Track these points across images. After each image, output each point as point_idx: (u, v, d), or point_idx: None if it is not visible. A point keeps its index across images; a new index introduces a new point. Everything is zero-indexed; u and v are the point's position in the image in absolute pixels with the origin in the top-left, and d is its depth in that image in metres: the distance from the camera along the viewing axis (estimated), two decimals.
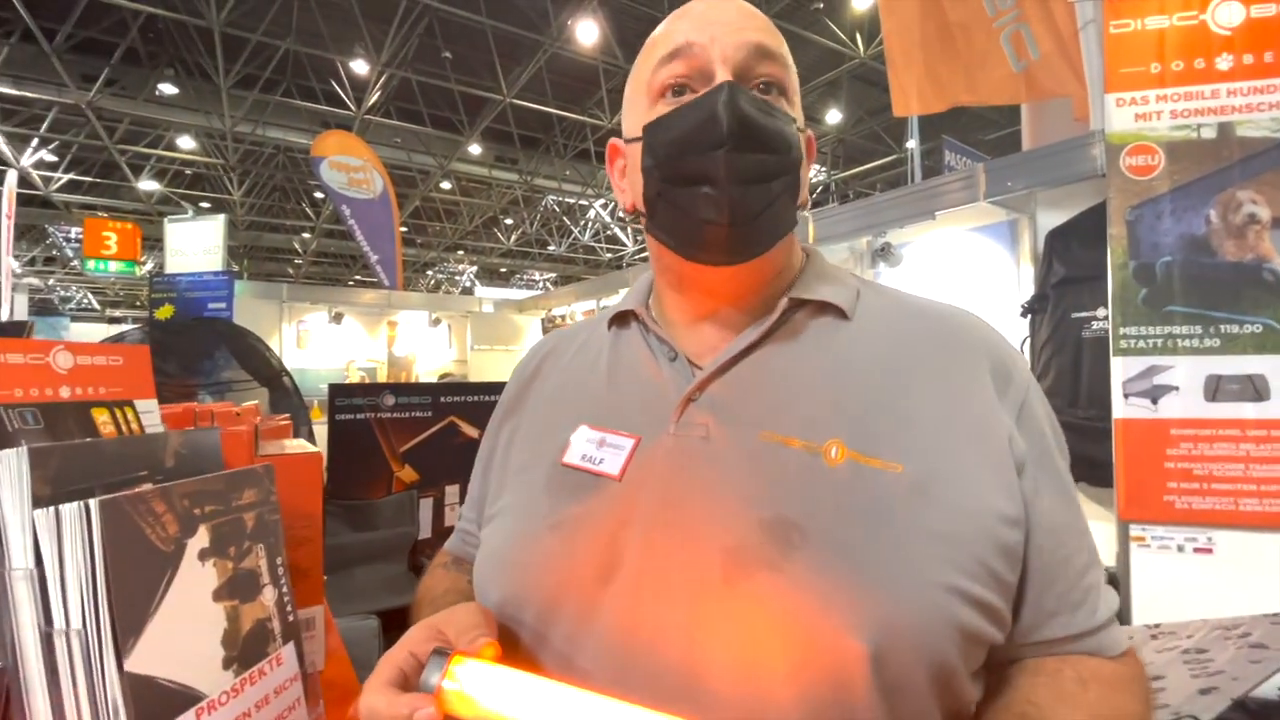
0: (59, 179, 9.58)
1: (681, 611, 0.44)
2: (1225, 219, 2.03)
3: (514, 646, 0.49)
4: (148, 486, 0.45)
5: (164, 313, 4.91)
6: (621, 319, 0.61)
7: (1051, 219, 2.73)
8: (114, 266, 7.21)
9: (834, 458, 0.46)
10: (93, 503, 0.41)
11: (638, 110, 0.55)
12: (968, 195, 2.87)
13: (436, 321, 8.10)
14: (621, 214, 12.85)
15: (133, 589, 0.42)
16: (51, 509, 0.41)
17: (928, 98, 3.18)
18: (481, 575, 0.54)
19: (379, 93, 8.03)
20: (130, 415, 0.55)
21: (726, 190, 0.48)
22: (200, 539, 0.48)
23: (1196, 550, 1.99)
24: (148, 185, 10.15)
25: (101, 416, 0.52)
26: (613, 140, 0.61)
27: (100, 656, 0.41)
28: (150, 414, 0.58)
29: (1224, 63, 2.04)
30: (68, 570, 0.41)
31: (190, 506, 0.48)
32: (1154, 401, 2.07)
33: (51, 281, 14.00)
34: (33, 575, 0.41)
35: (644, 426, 0.52)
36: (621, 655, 0.44)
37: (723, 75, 0.50)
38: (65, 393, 0.50)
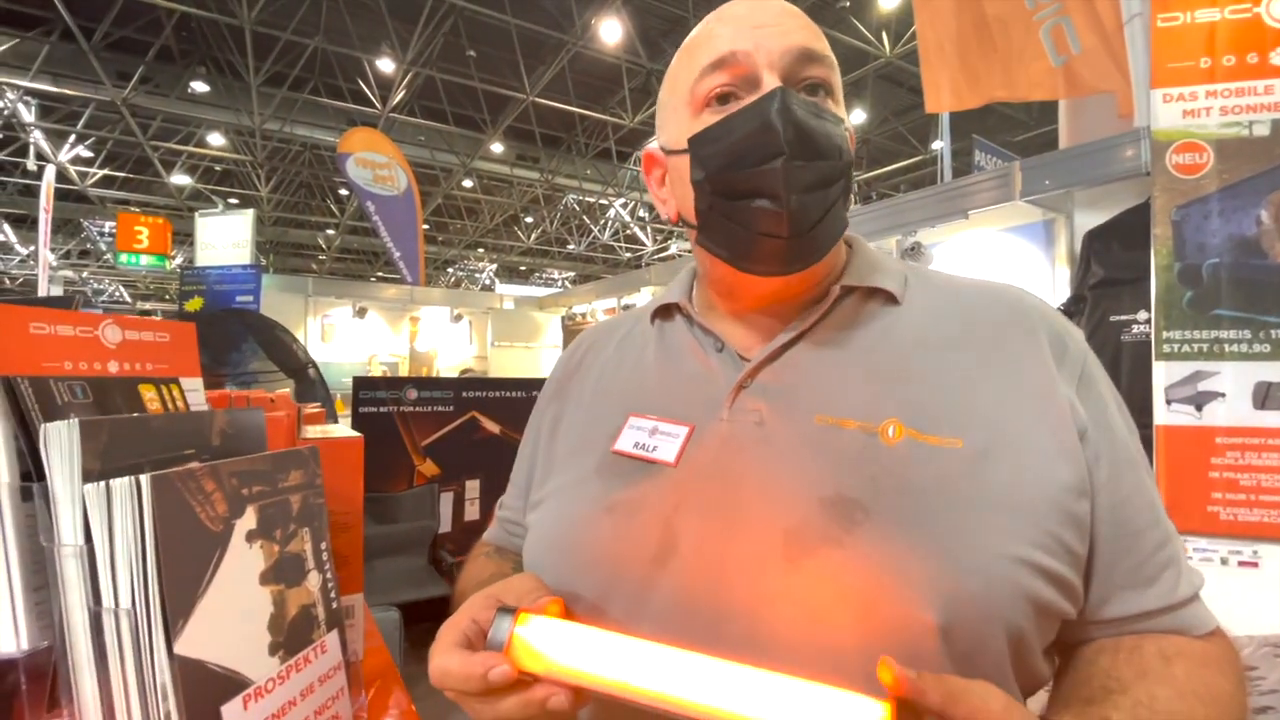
0: (94, 174, 9.82)
1: (742, 590, 0.43)
2: (1278, 220, 1.95)
3: None
4: (195, 465, 0.44)
5: (193, 305, 5.00)
6: (665, 312, 0.61)
7: (1089, 219, 2.65)
8: (145, 260, 7.36)
9: (891, 437, 0.45)
10: (144, 478, 0.39)
11: (680, 120, 0.54)
12: (1002, 194, 2.80)
13: (458, 317, 8.15)
14: (641, 214, 12.84)
15: (183, 569, 0.41)
16: (102, 483, 0.40)
17: (962, 93, 3.11)
18: (533, 557, 0.54)
19: (404, 91, 8.10)
20: (176, 393, 0.54)
21: (786, 202, 0.47)
22: (248, 520, 0.46)
23: (1241, 564, 1.91)
24: (179, 180, 10.36)
25: (149, 393, 0.51)
26: (649, 149, 0.60)
27: (150, 638, 0.39)
28: (195, 392, 0.57)
29: (1279, 57, 1.96)
30: (118, 547, 0.40)
31: (239, 486, 0.46)
32: (1198, 408, 2.00)
33: (85, 275, 14.35)
34: (82, 552, 0.40)
35: (696, 415, 0.52)
36: (679, 633, 0.43)
37: (771, 82, 0.49)
38: (113, 368, 0.50)
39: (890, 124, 9.35)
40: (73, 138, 8.75)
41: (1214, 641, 0.47)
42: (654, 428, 0.52)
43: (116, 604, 0.40)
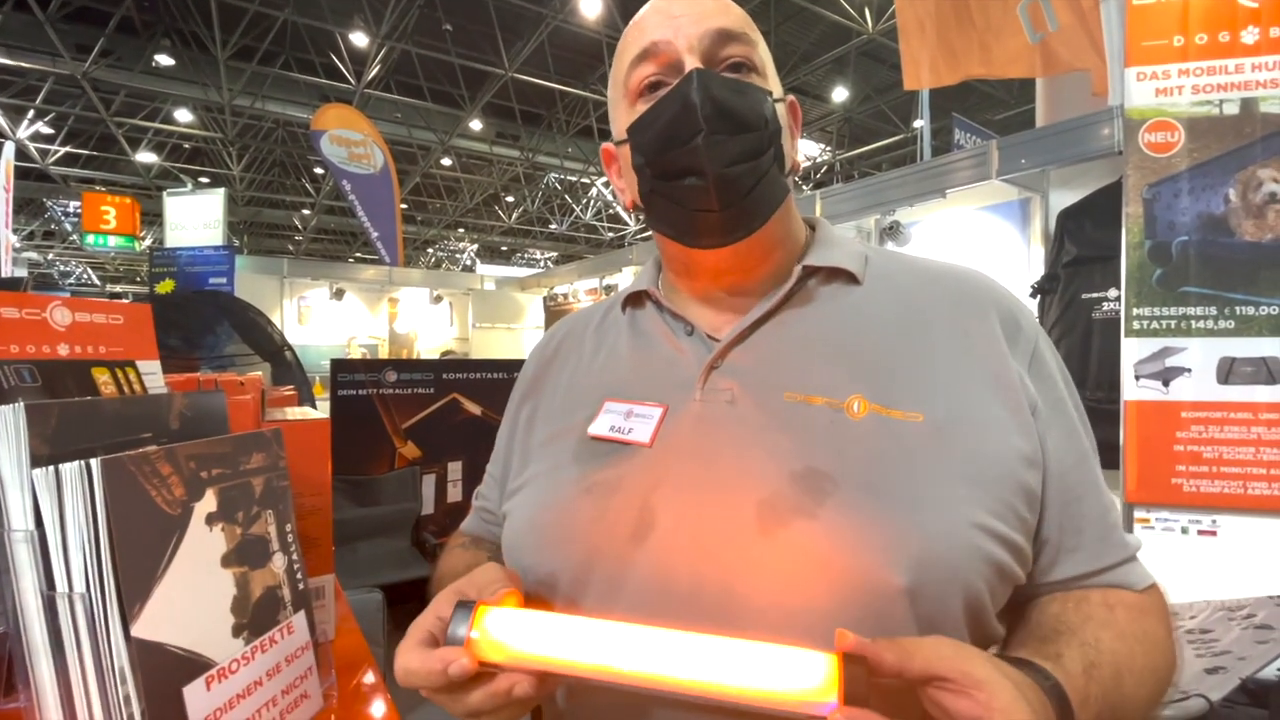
0: (56, 151, 9.47)
1: (717, 562, 0.44)
2: (1245, 198, 1.99)
3: (548, 608, 0.49)
4: (151, 448, 0.43)
5: (164, 287, 4.88)
6: (635, 300, 0.63)
7: (1064, 198, 2.68)
8: (113, 241, 7.15)
9: (857, 412, 0.47)
10: (94, 462, 0.39)
11: (620, 112, 0.57)
12: (980, 173, 2.82)
13: (438, 299, 8.06)
14: None
15: (138, 553, 0.40)
16: (51, 468, 0.39)
17: (940, 70, 3.11)
18: (512, 541, 0.55)
19: (379, 66, 7.88)
20: (133, 376, 0.53)
21: (711, 177, 0.49)
22: (208, 503, 0.46)
23: (1201, 533, 1.98)
24: (146, 158, 10.03)
25: (102, 376, 0.50)
26: (605, 145, 0.63)
27: (106, 622, 0.39)
28: (153, 375, 0.56)
29: (1249, 36, 1.99)
30: (69, 532, 0.39)
31: (197, 469, 0.46)
32: (1165, 384, 2.05)
33: (51, 256, 13.91)
34: (33, 537, 0.39)
35: (669, 396, 0.53)
36: (657, 607, 0.44)
37: (691, 64, 0.51)
38: (64, 350, 0.48)
39: (872, 101, 9.32)
40: (31, 113, 8.42)
41: (1150, 594, 0.51)
42: (629, 411, 0.54)
43: (70, 588, 0.39)
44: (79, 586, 0.39)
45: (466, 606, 0.41)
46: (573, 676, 0.39)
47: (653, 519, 0.47)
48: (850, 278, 0.55)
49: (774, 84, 0.56)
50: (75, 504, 0.39)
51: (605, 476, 0.51)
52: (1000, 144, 2.75)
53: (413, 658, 0.40)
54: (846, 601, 0.41)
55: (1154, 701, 0.45)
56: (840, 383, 0.49)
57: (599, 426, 0.54)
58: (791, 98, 0.59)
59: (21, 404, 0.39)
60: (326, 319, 7.29)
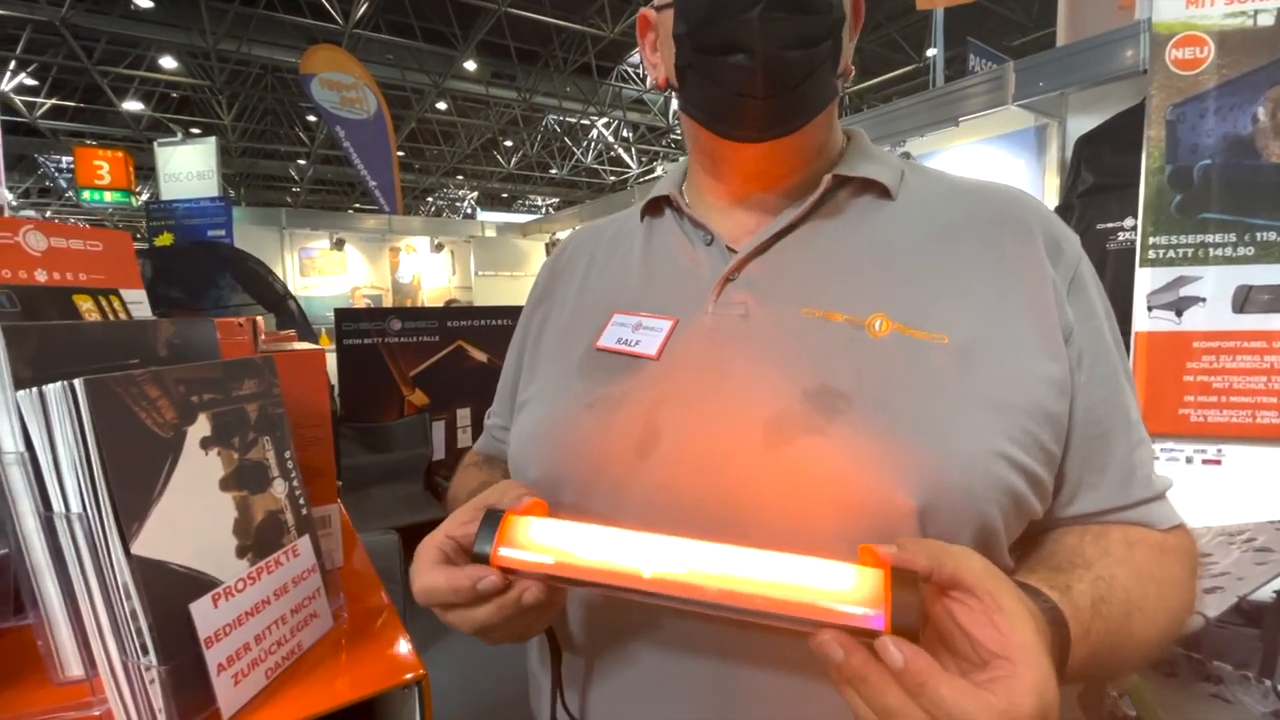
0: (42, 105, 9.24)
1: (723, 479, 0.43)
2: (1275, 117, 1.90)
3: None
4: (137, 371, 0.42)
5: (164, 240, 4.84)
6: (654, 208, 0.60)
7: (1083, 124, 2.57)
8: (109, 197, 7.05)
9: (878, 330, 0.45)
10: (78, 382, 0.38)
11: None
12: (995, 98, 2.70)
13: (439, 247, 7.97)
14: (625, 134, 12.35)
15: (132, 474, 0.40)
16: (35, 389, 0.38)
17: None
18: (517, 456, 0.54)
19: (367, 3, 7.54)
20: (117, 304, 0.52)
21: (760, 58, 0.44)
22: (200, 427, 0.46)
23: (1205, 462, 1.99)
24: (133, 107, 9.77)
25: (85, 304, 0.49)
26: (643, 10, 0.56)
27: (105, 540, 0.39)
28: (139, 305, 0.55)
29: None
30: (60, 453, 0.39)
31: (187, 393, 0.45)
32: (1178, 314, 2.02)
33: (49, 214, 13.79)
34: (24, 459, 0.39)
35: (681, 309, 0.51)
36: (660, 523, 0.43)
37: None
38: (42, 276, 0.47)
39: (883, 29, 8.87)
40: (13, 64, 8.17)
41: (1175, 534, 0.49)
42: (637, 323, 0.52)
43: (67, 508, 0.39)
44: (75, 507, 0.39)
45: (494, 517, 0.40)
46: (606, 585, 0.37)
47: (657, 435, 0.46)
48: (883, 191, 0.52)
49: None
50: (63, 425, 0.38)
51: (609, 391, 0.50)
52: (1017, 66, 2.62)
53: (436, 577, 0.40)
54: (853, 520, 0.40)
55: (1163, 641, 0.44)
56: (863, 300, 0.46)
57: (606, 339, 0.52)
58: None
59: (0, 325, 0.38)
60: (330, 270, 7.26)
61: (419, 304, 7.49)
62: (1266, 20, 1.89)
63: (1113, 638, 0.41)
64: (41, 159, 11.26)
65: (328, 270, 7.32)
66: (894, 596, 0.32)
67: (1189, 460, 2.00)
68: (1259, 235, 1.93)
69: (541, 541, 0.39)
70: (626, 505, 0.46)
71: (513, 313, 3.52)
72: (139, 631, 0.40)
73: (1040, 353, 0.45)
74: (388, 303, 7.48)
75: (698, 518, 0.43)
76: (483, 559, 0.39)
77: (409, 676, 0.48)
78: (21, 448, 0.39)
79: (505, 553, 0.39)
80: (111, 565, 0.39)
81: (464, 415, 3.33)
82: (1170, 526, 0.49)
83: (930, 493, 0.40)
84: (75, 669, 0.42)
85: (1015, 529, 0.44)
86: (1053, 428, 0.44)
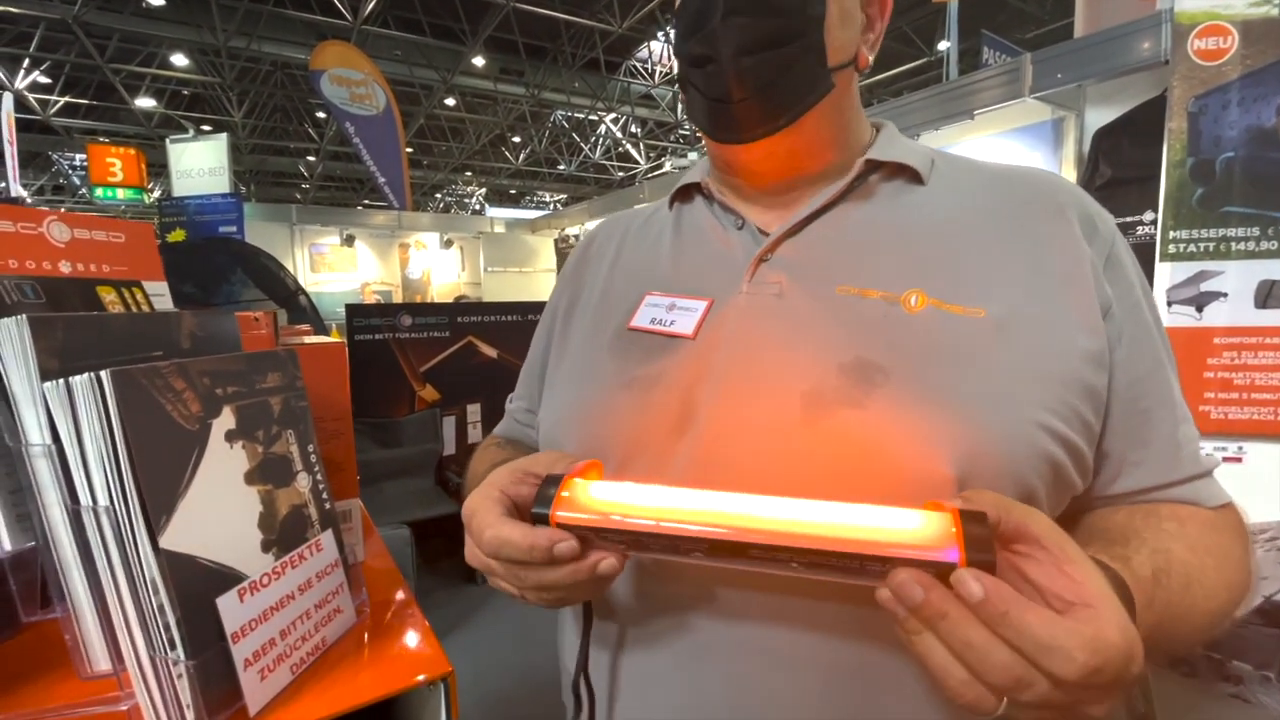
0: (56, 102, 9.31)
1: (760, 453, 0.43)
2: None
3: None
4: (162, 363, 0.42)
5: (176, 236, 4.88)
6: (684, 194, 0.60)
7: (1101, 117, 2.53)
8: (122, 194, 7.10)
9: (914, 306, 0.45)
10: (105, 374, 0.37)
11: None
12: (1011, 91, 2.66)
13: (449, 243, 7.99)
14: (634, 129, 12.31)
15: (159, 466, 0.40)
16: (61, 381, 0.38)
17: None
18: (550, 434, 0.54)
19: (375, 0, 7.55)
20: (140, 296, 0.51)
21: (725, 65, 0.46)
22: (226, 420, 0.45)
23: (1226, 459, 1.96)
24: (145, 103, 9.83)
25: (109, 295, 0.49)
26: None
27: (133, 533, 0.38)
28: (161, 297, 0.54)
29: None
30: (87, 446, 0.38)
31: (212, 386, 0.44)
32: (1199, 309, 1.99)
33: (63, 211, 13.92)
34: (51, 451, 0.39)
35: (715, 289, 0.51)
36: None
37: None
38: (65, 268, 0.47)
39: (894, 23, 8.78)
40: (27, 62, 8.24)
41: (1225, 512, 0.48)
42: (671, 304, 0.52)
43: (95, 501, 0.39)
44: (102, 500, 0.39)
45: (555, 478, 0.40)
46: (675, 536, 0.36)
47: (694, 411, 0.46)
48: (914, 176, 0.52)
49: None
50: (90, 417, 0.38)
51: (646, 370, 0.49)
52: (1034, 58, 2.58)
53: (512, 530, 0.39)
54: (893, 492, 0.39)
55: (1225, 614, 0.43)
56: (898, 276, 0.46)
57: (639, 319, 0.52)
58: None
59: (24, 316, 0.38)
60: (340, 266, 7.29)
61: (429, 299, 7.51)
62: None
63: (1175, 609, 0.40)
64: (55, 156, 11.37)
65: (338, 266, 7.35)
66: (965, 530, 0.31)
67: (1209, 457, 1.97)
68: None
69: (603, 498, 0.39)
70: (665, 481, 0.45)
71: (522, 308, 3.51)
72: (166, 626, 0.39)
73: (1078, 326, 0.44)
74: (398, 298, 7.50)
75: (736, 491, 0.42)
76: (542, 520, 0.38)
77: (434, 674, 0.48)
78: (48, 440, 0.39)
79: (565, 514, 0.38)
80: (139, 559, 0.38)
81: (474, 411, 3.33)
82: (1219, 504, 0.48)
83: (969, 462, 0.39)
84: (103, 663, 0.42)
85: (1056, 502, 0.44)
86: (1092, 401, 0.43)
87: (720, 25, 0.45)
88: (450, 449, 3.28)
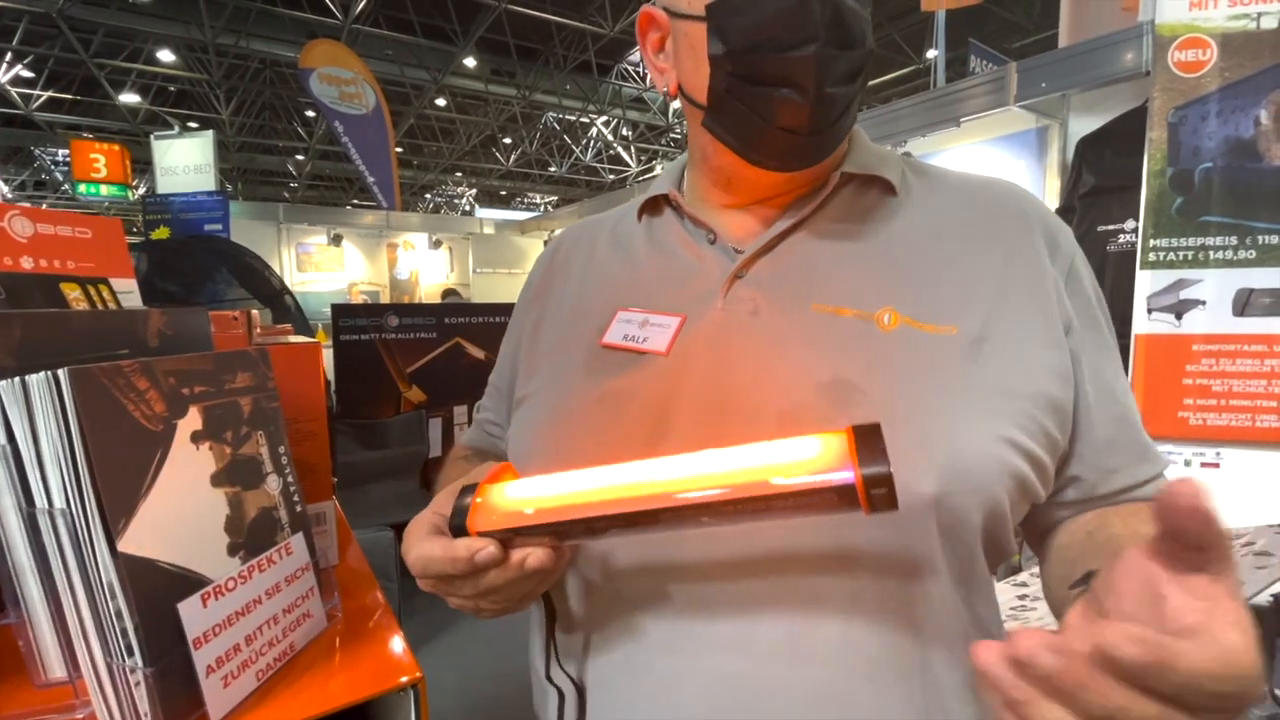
0: (39, 97, 9.17)
1: None
2: (1277, 120, 1.89)
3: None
4: (125, 362, 0.41)
5: (160, 234, 4.81)
6: (653, 206, 0.59)
7: (1084, 126, 2.57)
8: (105, 190, 7.01)
9: (887, 324, 0.45)
10: (63, 372, 0.36)
11: None
12: (997, 99, 2.69)
13: (437, 244, 7.94)
14: (625, 132, 12.33)
15: (119, 468, 0.39)
16: (17, 379, 0.37)
17: None
18: (520, 451, 0.53)
19: None
20: (106, 293, 0.50)
21: (813, 95, 0.43)
22: (192, 420, 0.44)
23: (1204, 465, 1.99)
24: (130, 99, 9.71)
25: (73, 292, 0.47)
26: (648, 8, 0.53)
27: (90, 538, 0.37)
28: (130, 295, 0.53)
29: None
30: (43, 446, 0.37)
31: (178, 385, 0.43)
32: (1178, 317, 2.01)
33: (45, 207, 13.70)
34: (5, 452, 0.38)
35: (688, 306, 0.51)
36: None
37: None
38: (27, 264, 0.46)
39: (884, 30, 8.87)
40: (9, 55, 8.11)
41: None
42: (644, 320, 0.51)
43: (50, 504, 0.38)
44: (59, 503, 0.37)
45: (469, 488, 0.40)
46: (583, 518, 0.37)
47: (667, 429, 0.46)
48: (887, 187, 0.52)
49: None
50: (46, 417, 0.37)
51: (618, 385, 0.49)
52: (1019, 67, 2.61)
53: (433, 546, 0.39)
54: None
55: None
56: (871, 294, 0.47)
57: (612, 336, 0.52)
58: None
59: None
60: (327, 266, 7.23)
61: (417, 300, 7.46)
62: (1269, 23, 1.89)
63: None
64: (37, 151, 11.19)
65: (325, 266, 7.29)
66: (858, 445, 0.32)
67: (1187, 463, 1.99)
68: (1260, 238, 1.93)
69: (515, 497, 0.39)
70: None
71: (511, 310, 3.49)
72: (124, 632, 0.38)
73: (1043, 343, 0.45)
74: (385, 299, 7.45)
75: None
76: (460, 532, 0.39)
77: (405, 679, 0.47)
78: (3, 440, 0.37)
79: (482, 519, 0.39)
80: (96, 563, 0.37)
81: (461, 412, 3.30)
82: None
83: (945, 480, 0.40)
84: (58, 670, 0.41)
85: (1020, 511, 0.45)
86: (1056, 415, 0.45)
87: (820, 53, 0.42)
88: (436, 451, 3.24)
